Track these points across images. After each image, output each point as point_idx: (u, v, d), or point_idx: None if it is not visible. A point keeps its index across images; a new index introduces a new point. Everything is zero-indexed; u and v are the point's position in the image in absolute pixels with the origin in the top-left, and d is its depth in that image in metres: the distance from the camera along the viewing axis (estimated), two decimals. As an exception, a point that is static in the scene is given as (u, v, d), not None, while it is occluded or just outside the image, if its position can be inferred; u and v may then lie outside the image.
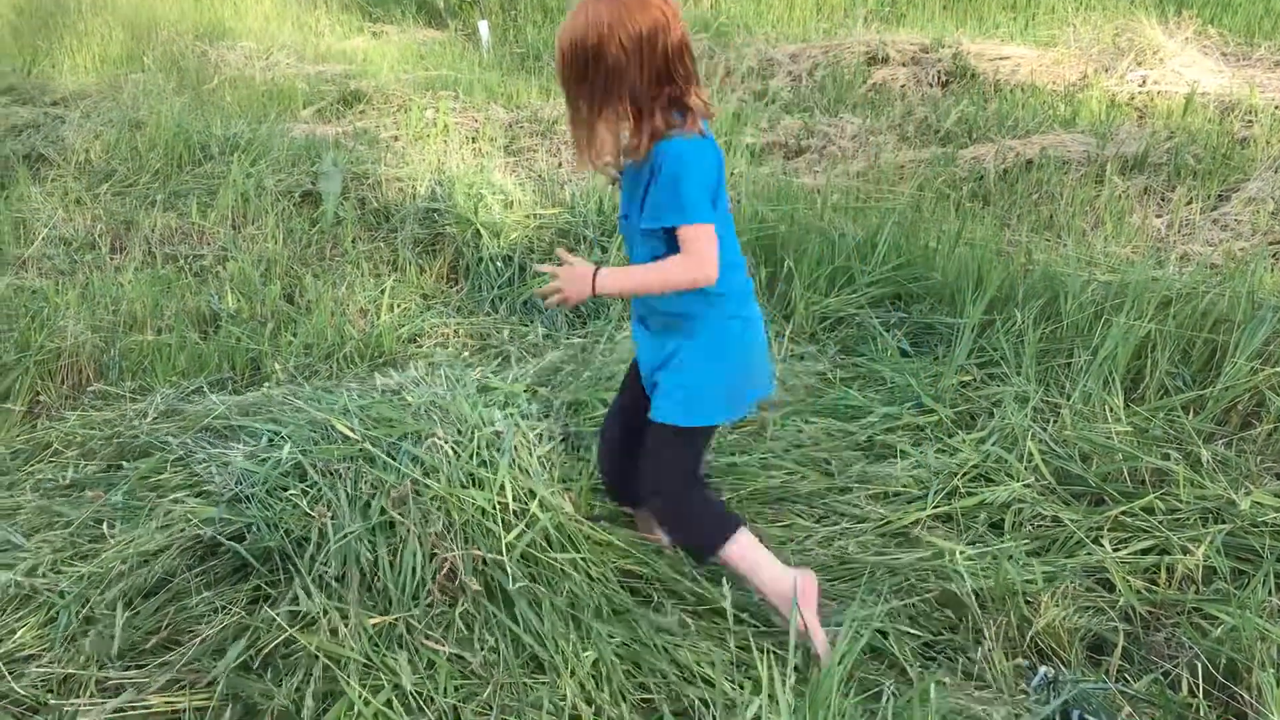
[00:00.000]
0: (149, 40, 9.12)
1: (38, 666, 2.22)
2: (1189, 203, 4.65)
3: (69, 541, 2.60)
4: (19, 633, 2.32)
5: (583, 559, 2.33)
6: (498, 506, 2.37)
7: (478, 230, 4.50)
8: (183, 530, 2.44)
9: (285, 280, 4.44)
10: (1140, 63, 6.75)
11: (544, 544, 2.33)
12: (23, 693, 2.15)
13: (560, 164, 5.77)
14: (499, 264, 4.35)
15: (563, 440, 2.78)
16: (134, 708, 2.09)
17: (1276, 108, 5.69)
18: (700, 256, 2.00)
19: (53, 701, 2.13)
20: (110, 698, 2.12)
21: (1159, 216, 4.61)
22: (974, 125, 5.91)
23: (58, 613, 2.34)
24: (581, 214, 4.53)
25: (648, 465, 2.27)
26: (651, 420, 2.20)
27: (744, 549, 2.20)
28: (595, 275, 2.05)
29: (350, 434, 2.55)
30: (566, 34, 2.03)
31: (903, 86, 7.06)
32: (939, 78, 7.13)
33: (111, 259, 4.82)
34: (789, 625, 2.09)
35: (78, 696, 2.14)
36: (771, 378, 2.35)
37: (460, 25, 9.54)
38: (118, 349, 3.75)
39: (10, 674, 2.19)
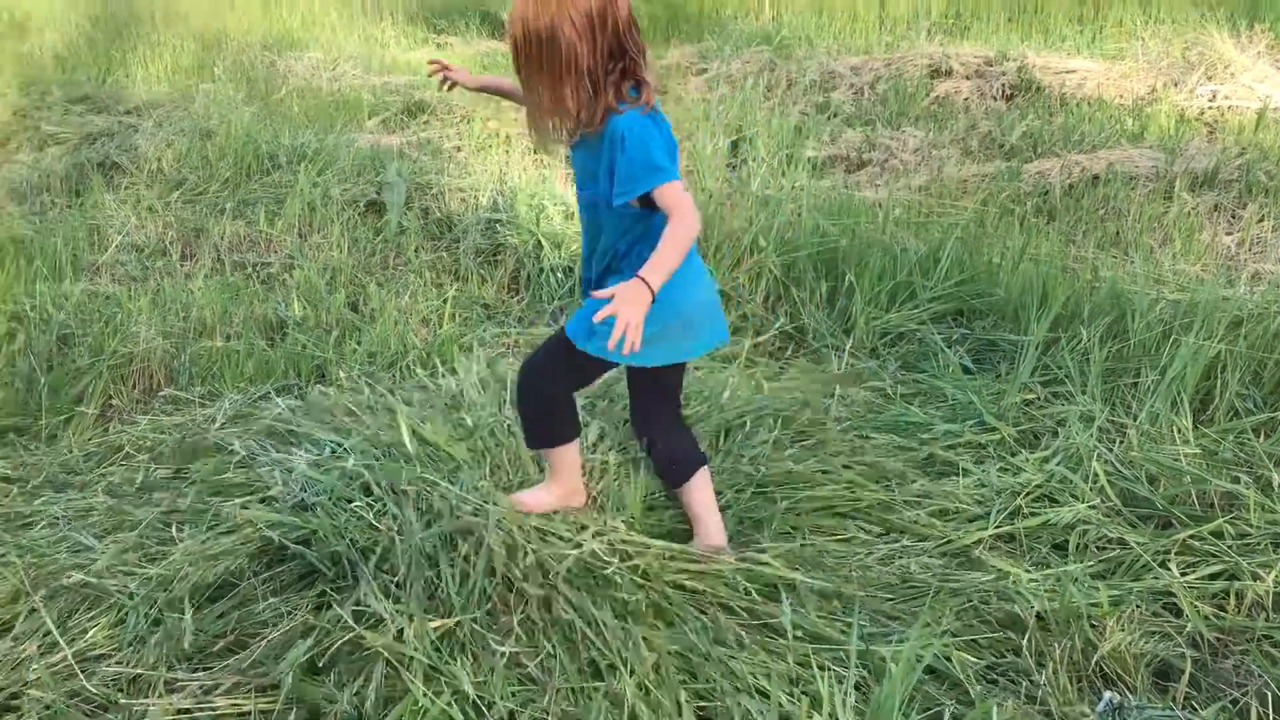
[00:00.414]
0: (219, 51, 9.31)
1: (108, 665, 2.28)
2: (1260, 220, 4.56)
3: (138, 543, 2.66)
4: (90, 632, 2.38)
5: (640, 572, 2.34)
6: (557, 520, 2.39)
7: (539, 241, 4.54)
8: (248, 535, 2.49)
9: (350, 289, 4.50)
10: (1210, 77, 6.65)
11: (602, 556, 2.34)
12: (94, 691, 2.20)
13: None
14: (560, 274, 4.38)
15: (622, 453, 2.79)
16: (201, 709, 2.14)
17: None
18: (685, 210, 2.06)
19: (122, 700, 2.18)
20: (178, 698, 2.16)
21: (1229, 234, 4.53)
22: (1039, 139, 5.85)
23: (127, 614, 2.40)
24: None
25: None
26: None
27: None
28: (645, 281, 2.00)
29: (413, 458, 2.60)
30: (518, 21, 2.08)
31: (966, 100, 7.01)
32: (1003, 91, 7.07)
33: (182, 266, 4.92)
34: None
35: (146, 696, 2.19)
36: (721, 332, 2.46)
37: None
38: (188, 355, 3.82)
39: (81, 672, 2.24)
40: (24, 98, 8.15)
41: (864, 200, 4.64)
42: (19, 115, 7.77)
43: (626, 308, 1.95)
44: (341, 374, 3.65)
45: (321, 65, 8.84)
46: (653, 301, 1.98)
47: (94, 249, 5.07)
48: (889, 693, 1.86)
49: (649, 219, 2.17)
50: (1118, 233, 4.61)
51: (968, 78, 7.30)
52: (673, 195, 2.06)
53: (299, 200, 5.31)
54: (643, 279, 1.98)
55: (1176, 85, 6.68)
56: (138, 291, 4.42)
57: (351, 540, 2.33)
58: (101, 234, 5.22)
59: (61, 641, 2.32)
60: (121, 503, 2.90)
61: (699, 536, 2.53)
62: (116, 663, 2.28)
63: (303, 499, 2.52)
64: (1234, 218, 4.72)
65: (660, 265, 2.02)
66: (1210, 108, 6.33)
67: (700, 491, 2.52)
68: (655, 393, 2.50)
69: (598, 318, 1.95)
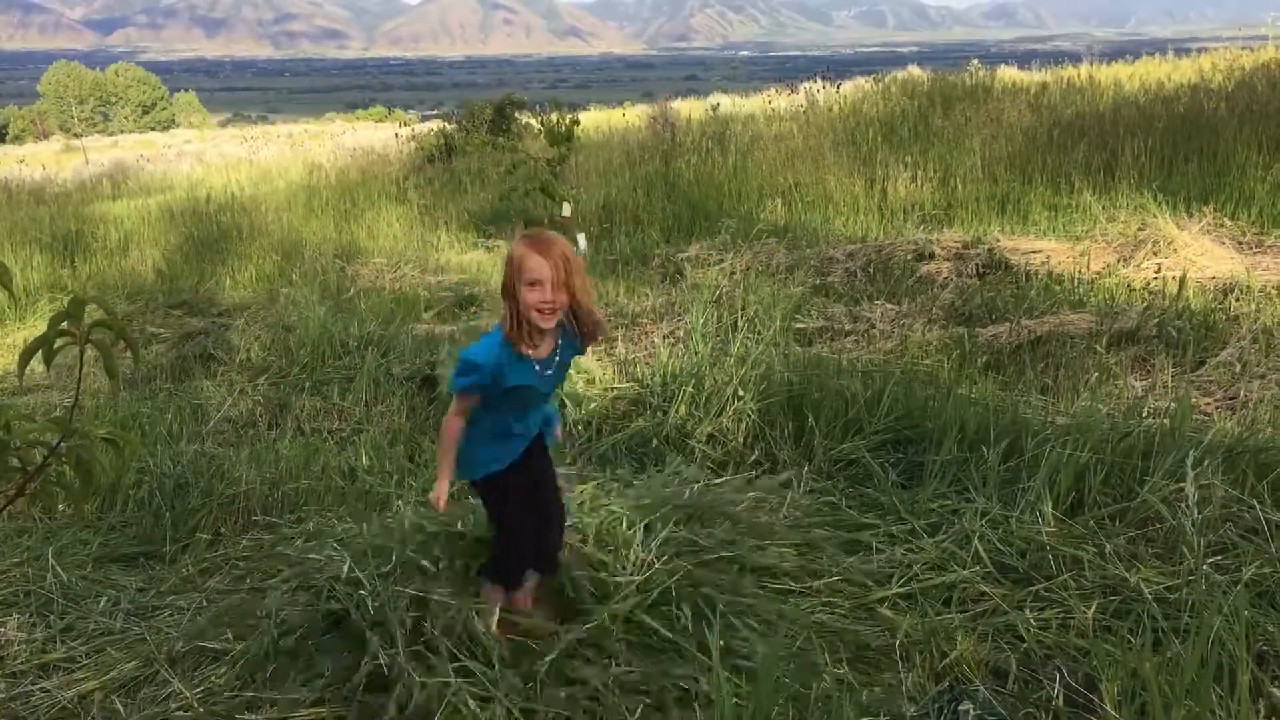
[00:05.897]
0: (297, 259, 10.62)
1: (229, 695, 3.16)
2: (1166, 369, 5.41)
3: (235, 617, 3.57)
4: (211, 678, 3.26)
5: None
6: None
7: (563, 400, 5.50)
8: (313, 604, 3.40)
9: (408, 445, 5.47)
10: (1156, 253, 7.59)
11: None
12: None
13: (642, 349, 6.80)
14: (579, 428, 5.32)
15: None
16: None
17: (1267, 286, 6.47)
18: None
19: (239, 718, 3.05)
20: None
21: (1140, 380, 5.36)
22: (995, 309, 6.78)
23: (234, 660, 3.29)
24: (649, 386, 5.49)
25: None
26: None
27: None
28: None
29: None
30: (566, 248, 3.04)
31: (945, 278, 7.98)
32: (978, 269, 8.05)
33: (269, 433, 5.93)
34: None
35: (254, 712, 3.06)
36: None
37: (563, 236, 10.84)
38: (281, 492, 4.76)
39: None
40: (131, 305, 9.42)
41: (831, 360, 5.56)
42: (126, 319, 9.01)
43: None
44: (401, 504, 4.56)
45: (384, 269, 10.09)
46: None
47: (197, 421, 6.11)
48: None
49: None
50: (1050, 382, 5.46)
51: (948, 260, 8.30)
52: None
53: (366, 378, 6.36)
54: None
55: (1127, 261, 7.63)
56: (235, 453, 5.41)
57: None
58: (203, 411, 6.27)
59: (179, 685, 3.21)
60: (226, 596, 3.82)
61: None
62: (230, 695, 3.16)
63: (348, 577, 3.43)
64: (1150, 367, 5.56)
65: None
66: (1155, 279, 7.24)
67: None
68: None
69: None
